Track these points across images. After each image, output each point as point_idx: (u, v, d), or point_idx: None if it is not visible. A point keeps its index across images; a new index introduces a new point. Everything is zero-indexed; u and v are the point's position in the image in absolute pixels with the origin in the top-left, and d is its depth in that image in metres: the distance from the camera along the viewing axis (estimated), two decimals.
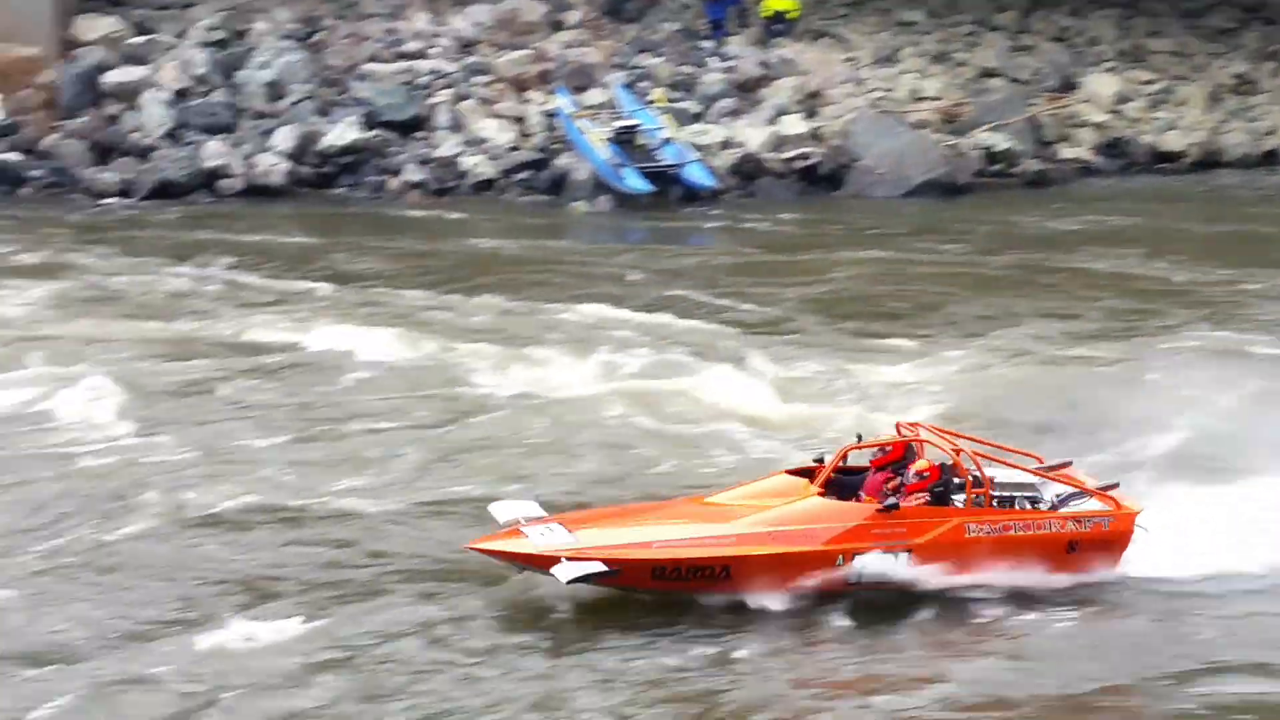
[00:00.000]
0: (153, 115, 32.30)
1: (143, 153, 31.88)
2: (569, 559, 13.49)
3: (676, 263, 27.40)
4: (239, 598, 14.44)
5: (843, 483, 14.42)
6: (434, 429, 18.75)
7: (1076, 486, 14.74)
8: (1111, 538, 14.48)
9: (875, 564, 13.89)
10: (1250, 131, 36.76)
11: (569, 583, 13.54)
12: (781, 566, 13.72)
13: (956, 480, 14.41)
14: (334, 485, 16.92)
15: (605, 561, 13.47)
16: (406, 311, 23.67)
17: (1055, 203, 32.54)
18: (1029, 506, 14.54)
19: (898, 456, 14.46)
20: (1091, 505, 14.58)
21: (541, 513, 14.45)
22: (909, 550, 13.91)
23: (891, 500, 13.99)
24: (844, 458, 14.46)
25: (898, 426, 14.92)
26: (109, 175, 31.41)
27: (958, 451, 14.40)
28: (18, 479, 17.12)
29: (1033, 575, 14.26)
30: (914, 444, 14.48)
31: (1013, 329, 22.91)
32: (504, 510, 14.59)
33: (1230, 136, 36.56)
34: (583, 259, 27.81)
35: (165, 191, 31.19)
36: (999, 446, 15.20)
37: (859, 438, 14.80)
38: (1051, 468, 15.00)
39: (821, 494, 14.13)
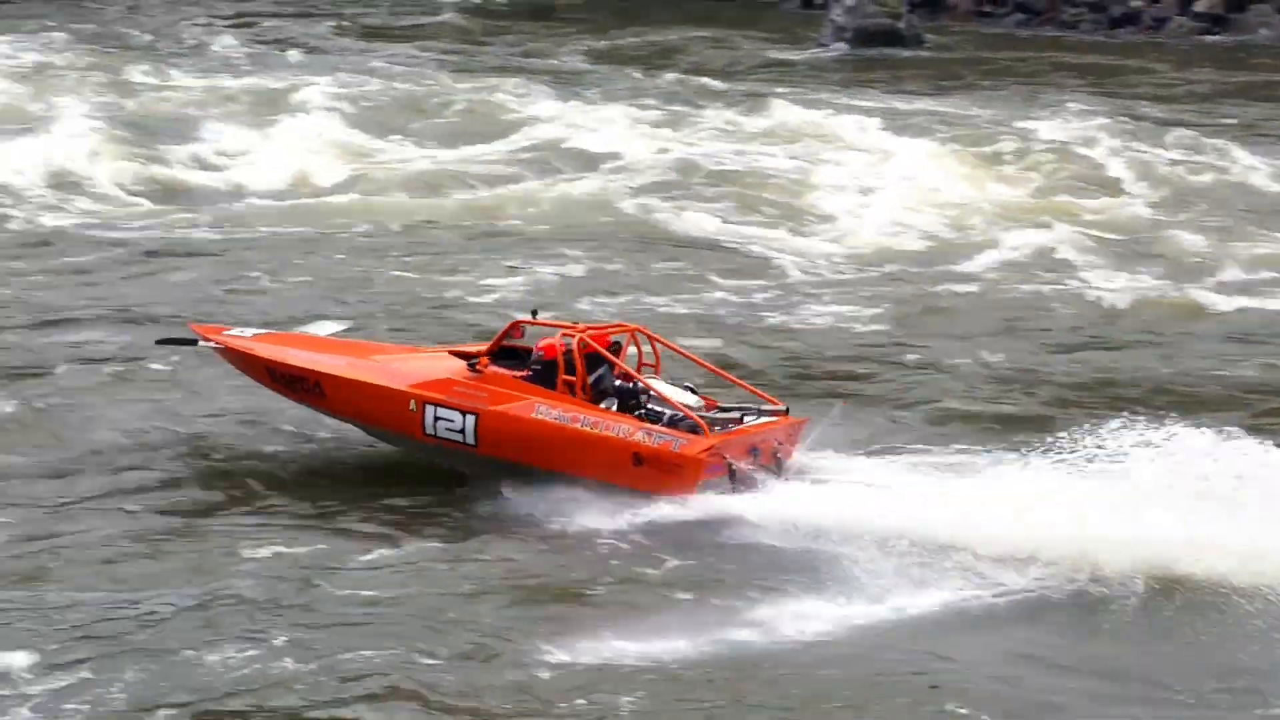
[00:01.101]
0: None
1: None
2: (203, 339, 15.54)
3: None
4: None
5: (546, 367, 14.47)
6: None
7: (680, 410, 14.18)
8: (679, 461, 13.80)
9: (444, 419, 14.45)
10: None
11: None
12: (359, 396, 14.73)
13: (623, 383, 14.30)
14: None
15: (219, 344, 15.30)
16: None
17: None
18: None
19: (604, 344, 14.37)
20: (685, 427, 14.06)
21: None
22: (477, 415, 14.32)
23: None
24: (510, 331, 14.70)
25: (619, 325, 15.00)
26: None
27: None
28: None
29: (594, 477, 13.98)
30: (586, 337, 14.35)
31: None
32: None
33: None
34: None
35: None
36: (729, 379, 15.04)
37: (534, 314, 15.05)
38: (773, 411, 14.45)
39: (458, 353, 14.73)
